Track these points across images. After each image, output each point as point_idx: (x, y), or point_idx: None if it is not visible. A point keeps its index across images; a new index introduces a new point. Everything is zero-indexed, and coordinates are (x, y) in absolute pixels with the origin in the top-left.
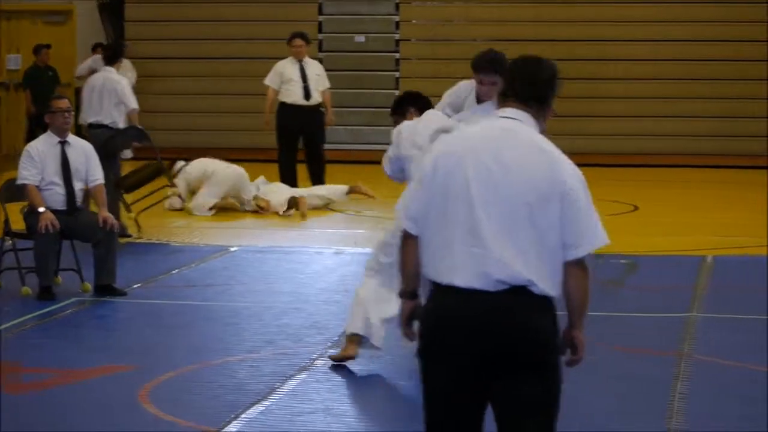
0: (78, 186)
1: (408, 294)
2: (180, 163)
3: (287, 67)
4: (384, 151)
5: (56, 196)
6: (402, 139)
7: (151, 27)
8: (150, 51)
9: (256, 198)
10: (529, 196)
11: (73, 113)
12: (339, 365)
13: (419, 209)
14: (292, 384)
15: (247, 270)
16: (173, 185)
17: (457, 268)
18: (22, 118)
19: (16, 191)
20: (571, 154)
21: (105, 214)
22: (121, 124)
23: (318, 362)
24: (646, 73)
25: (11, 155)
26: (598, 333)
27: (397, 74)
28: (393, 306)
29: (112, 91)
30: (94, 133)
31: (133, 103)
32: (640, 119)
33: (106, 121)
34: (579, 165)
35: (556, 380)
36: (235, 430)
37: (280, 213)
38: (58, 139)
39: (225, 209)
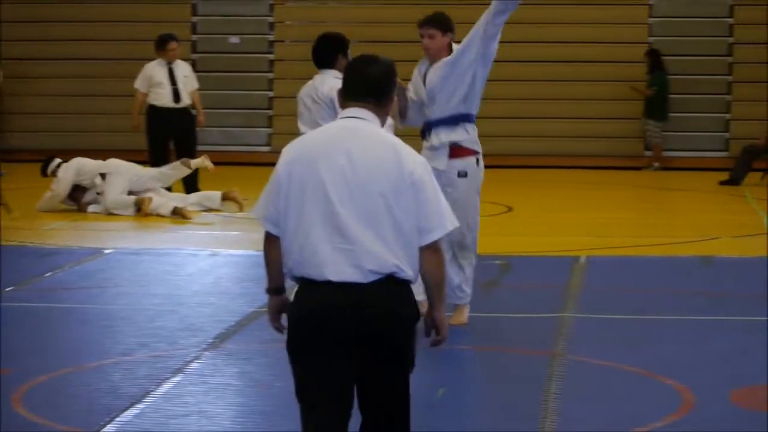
0: None
1: (273, 290)
2: (56, 161)
3: (156, 70)
4: (258, 153)
5: None
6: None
7: (21, 28)
8: (18, 52)
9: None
10: (382, 189)
11: None
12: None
13: (278, 212)
14: (166, 387)
15: (121, 272)
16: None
17: (327, 264)
18: None
19: None
20: None
21: None
22: None
23: (193, 365)
24: (523, 74)
25: None
26: (473, 333)
27: (271, 75)
28: None
29: None
30: None
31: None
32: (515, 120)
33: None
34: None
35: (412, 362)
36: None
37: (163, 214)
38: None
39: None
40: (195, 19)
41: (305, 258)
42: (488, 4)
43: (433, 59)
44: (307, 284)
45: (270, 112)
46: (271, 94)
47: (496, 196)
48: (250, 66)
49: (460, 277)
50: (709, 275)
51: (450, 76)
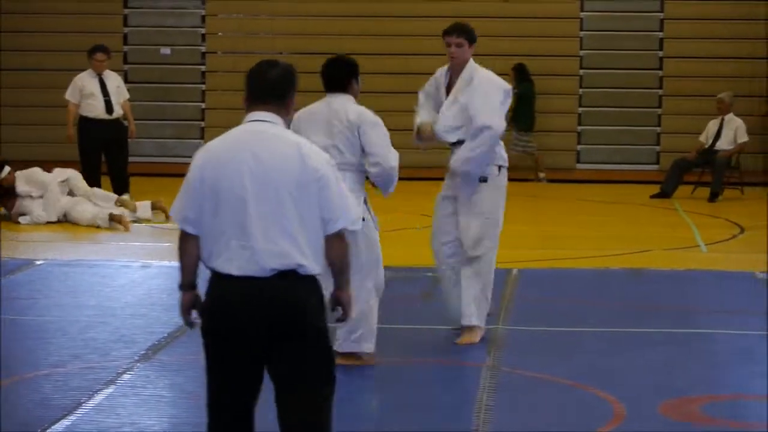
0: None
1: (186, 286)
2: (6, 169)
3: (87, 81)
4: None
5: None
6: None
7: None
8: None
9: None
10: (289, 187)
11: None
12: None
13: (193, 212)
14: (98, 398)
15: (52, 284)
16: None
17: (233, 259)
18: None
19: None
20: None
21: None
22: None
23: (125, 376)
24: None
25: None
26: (407, 345)
27: (203, 87)
28: None
29: None
30: None
31: None
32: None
33: None
34: None
35: (325, 346)
36: None
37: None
38: None
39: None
40: (126, 29)
41: (215, 252)
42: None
43: (456, 69)
44: (216, 278)
45: (202, 123)
46: (203, 105)
47: (418, 207)
48: (182, 77)
49: (466, 297)
50: (640, 288)
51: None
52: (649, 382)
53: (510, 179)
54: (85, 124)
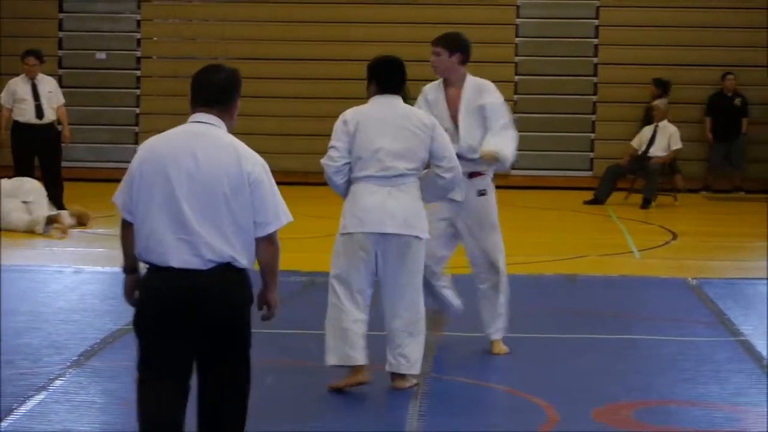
0: None
1: (128, 269)
2: None
3: (19, 86)
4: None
5: None
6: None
7: None
8: None
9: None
10: (223, 187)
11: None
12: (79, 384)
13: (132, 203)
14: (30, 404)
15: None
16: None
17: (170, 252)
18: None
19: None
20: None
21: None
22: None
23: (57, 382)
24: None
25: None
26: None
27: (138, 92)
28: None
29: None
30: None
31: None
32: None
33: None
34: None
35: (249, 336)
36: None
37: (38, 231)
38: None
39: None
40: (61, 34)
41: (151, 246)
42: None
43: (443, 77)
44: (152, 269)
45: (137, 128)
46: (137, 110)
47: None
48: (117, 82)
49: (489, 312)
50: (574, 294)
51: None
52: (582, 387)
53: None
54: (17, 128)
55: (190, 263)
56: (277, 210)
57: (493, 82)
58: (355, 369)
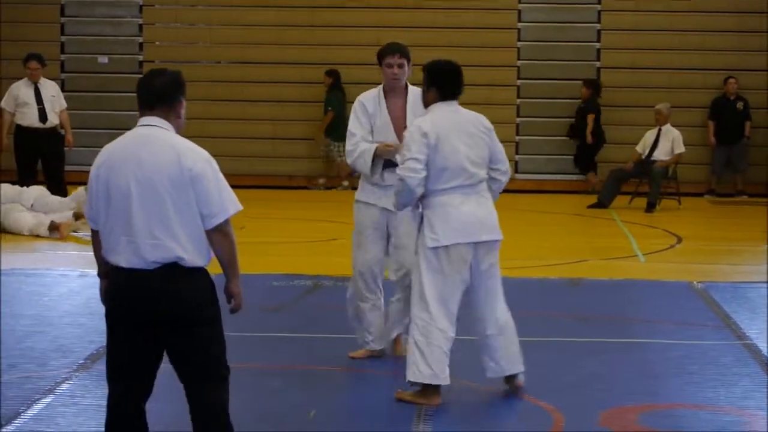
0: None
1: (102, 274)
2: None
3: (22, 90)
4: None
5: None
6: None
7: None
8: None
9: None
10: (166, 187)
11: None
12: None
13: (94, 210)
14: (36, 408)
15: None
16: None
17: (121, 253)
18: None
19: None
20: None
21: None
22: None
23: (63, 385)
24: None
25: None
26: (344, 355)
27: None
28: None
29: None
30: None
31: None
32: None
33: None
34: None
35: (213, 331)
36: None
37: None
38: None
39: None
40: (64, 38)
41: (109, 248)
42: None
43: (393, 91)
44: (112, 270)
45: None
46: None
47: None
48: (119, 86)
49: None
50: (578, 297)
51: None
52: (588, 391)
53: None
54: (20, 133)
55: (135, 264)
56: (223, 201)
57: (496, 86)
58: (434, 389)
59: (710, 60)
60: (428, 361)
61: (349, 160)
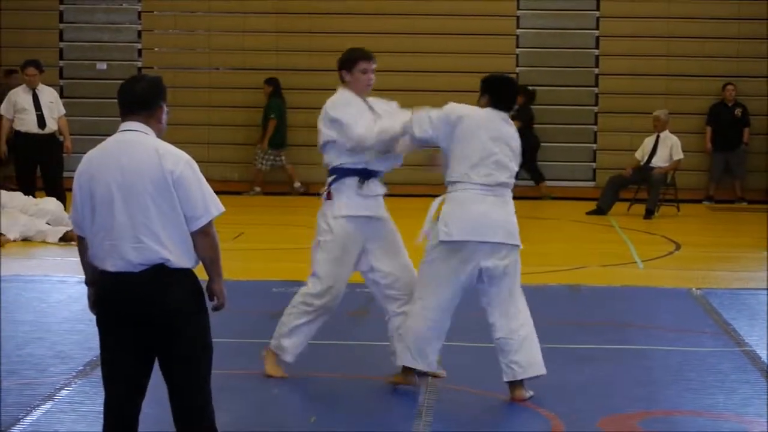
0: None
1: (89, 282)
2: None
3: (20, 96)
4: None
5: None
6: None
7: None
8: None
9: None
10: (149, 190)
11: None
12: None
13: (79, 217)
14: (36, 415)
15: None
16: None
17: (107, 258)
18: None
19: None
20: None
21: None
22: None
23: (63, 392)
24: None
25: None
26: (343, 361)
27: None
28: None
29: None
30: None
31: None
32: None
33: None
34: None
35: (199, 332)
36: None
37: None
38: None
39: None
40: (62, 44)
41: (95, 253)
42: None
43: (361, 97)
44: (99, 274)
45: None
46: None
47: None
48: None
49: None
50: (577, 304)
51: None
52: (587, 398)
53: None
54: (19, 138)
55: (121, 267)
56: (206, 202)
57: None
58: (414, 372)
59: (709, 67)
60: (409, 347)
61: (369, 140)
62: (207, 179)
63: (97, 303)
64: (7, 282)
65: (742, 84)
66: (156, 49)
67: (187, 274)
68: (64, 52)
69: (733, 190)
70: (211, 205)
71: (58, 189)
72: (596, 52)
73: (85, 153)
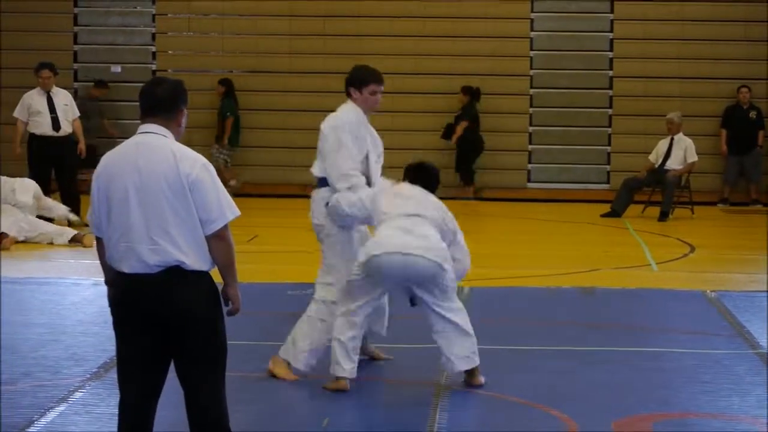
0: None
1: (109, 282)
2: None
3: (35, 99)
4: None
5: None
6: None
7: None
8: None
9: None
10: (165, 193)
11: None
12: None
13: (97, 218)
14: (50, 416)
15: (2, 301)
16: None
17: (123, 259)
18: None
19: None
20: None
21: None
22: None
23: (77, 394)
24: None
25: None
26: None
27: None
28: None
29: None
30: None
31: None
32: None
33: None
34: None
35: (214, 334)
36: None
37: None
38: None
39: None
40: (77, 47)
41: (111, 254)
42: None
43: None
44: (116, 275)
45: None
46: None
47: None
48: (132, 95)
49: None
50: (591, 306)
51: None
52: (601, 400)
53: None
54: (33, 141)
55: (137, 268)
56: (222, 206)
57: (508, 95)
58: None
59: (722, 69)
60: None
61: (346, 207)
62: None
63: (113, 304)
64: (22, 284)
65: (756, 86)
66: (170, 51)
67: (203, 276)
68: (78, 55)
69: (748, 192)
70: (227, 209)
71: (73, 190)
72: (610, 54)
73: (100, 156)
